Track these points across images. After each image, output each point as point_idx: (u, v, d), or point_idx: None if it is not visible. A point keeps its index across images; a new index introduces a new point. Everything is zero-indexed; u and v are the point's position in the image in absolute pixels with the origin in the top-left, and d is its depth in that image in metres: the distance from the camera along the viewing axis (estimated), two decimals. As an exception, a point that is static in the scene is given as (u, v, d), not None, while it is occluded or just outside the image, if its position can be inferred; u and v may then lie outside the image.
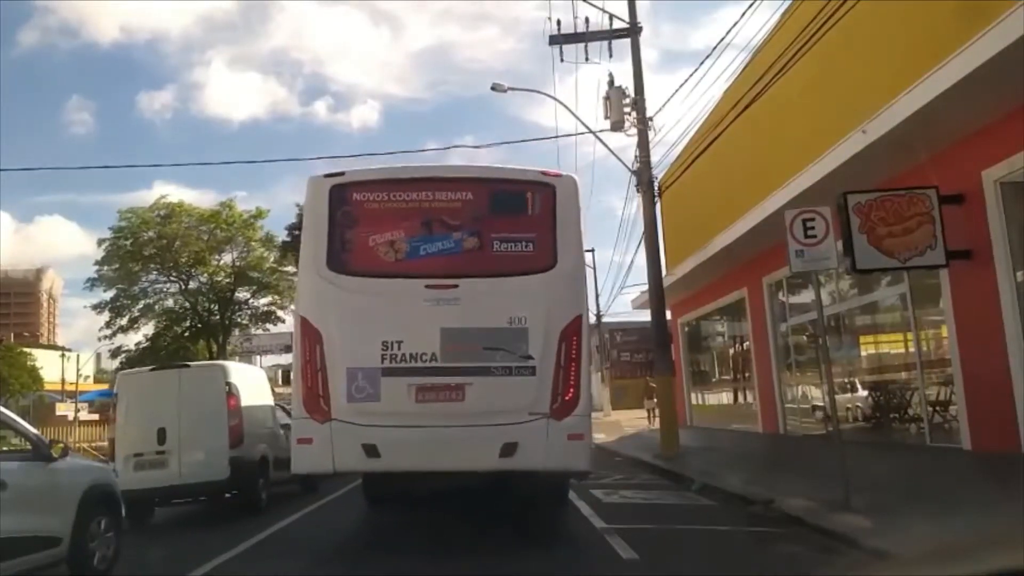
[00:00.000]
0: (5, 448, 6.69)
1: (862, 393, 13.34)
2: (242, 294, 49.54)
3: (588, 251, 41.41)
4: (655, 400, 16.74)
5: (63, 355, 63.97)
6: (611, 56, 16.58)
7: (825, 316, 13.97)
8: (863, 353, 13.34)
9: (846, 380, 13.13)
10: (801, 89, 11.64)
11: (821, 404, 13.86)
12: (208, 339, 48.45)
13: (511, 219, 6.97)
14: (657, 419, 18.75)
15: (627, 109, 15.53)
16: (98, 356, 69.73)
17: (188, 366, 11.11)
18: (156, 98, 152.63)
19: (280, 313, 49.74)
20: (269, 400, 11.62)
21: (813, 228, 7.67)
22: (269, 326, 50.52)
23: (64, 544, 5.63)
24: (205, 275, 47.52)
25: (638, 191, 15.63)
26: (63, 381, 62.13)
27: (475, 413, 6.41)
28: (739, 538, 7.15)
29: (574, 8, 15.42)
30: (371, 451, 6.38)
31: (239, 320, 49.71)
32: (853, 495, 7.05)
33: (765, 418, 15.96)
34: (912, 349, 10.98)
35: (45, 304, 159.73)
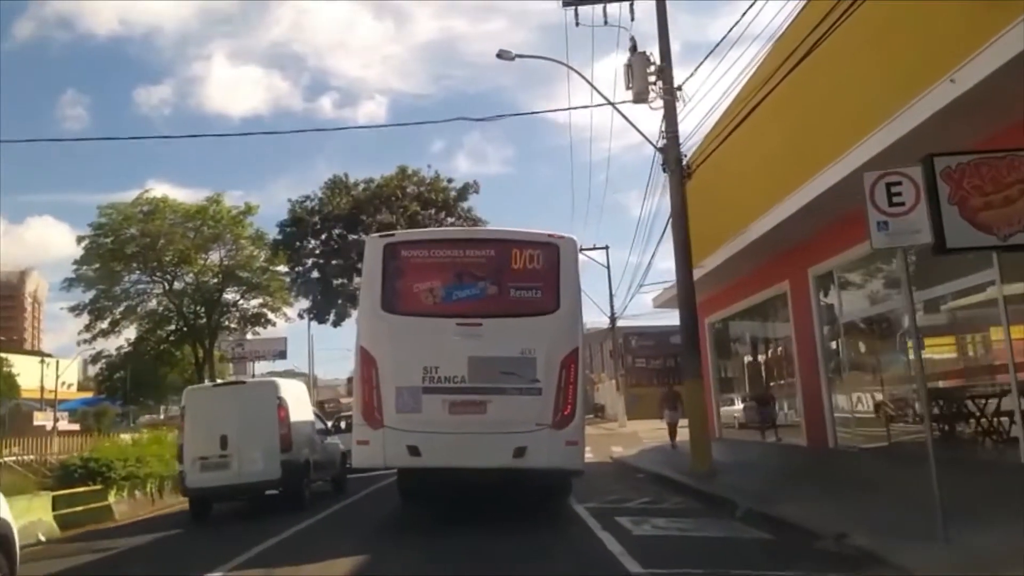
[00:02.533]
0: None
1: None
2: (231, 295, 48.36)
3: (602, 248, 40.03)
4: (679, 411, 15.32)
5: (42, 361, 62.93)
6: (632, 18, 15.35)
7: (883, 312, 13.13)
8: (935, 356, 11.94)
9: (912, 387, 11.75)
10: (867, 39, 10.28)
11: (878, 411, 12.52)
12: (194, 343, 47.25)
13: (524, 271, 8.95)
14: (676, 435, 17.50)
15: (652, 78, 14.25)
16: (84, 363, 68.84)
17: (245, 382, 14.24)
18: (154, 93, 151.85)
19: (271, 316, 48.51)
20: (310, 411, 13.65)
21: (900, 194, 6.39)
22: (259, 329, 49.18)
23: None
24: (191, 275, 46.31)
25: (664, 171, 14.35)
26: (42, 389, 61.05)
27: (494, 423, 8.32)
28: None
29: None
30: (414, 451, 8.33)
31: (227, 323, 48.44)
32: (947, 525, 5.75)
33: (810, 429, 14.58)
34: (1002, 348, 9.60)
35: (29, 308, 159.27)
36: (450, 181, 47.34)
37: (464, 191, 47.19)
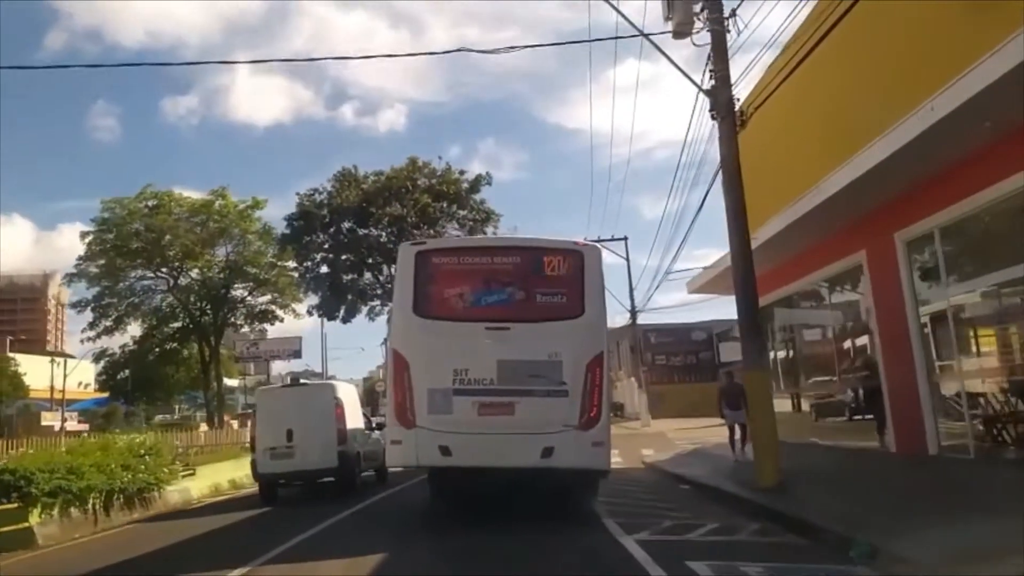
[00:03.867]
0: None
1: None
2: (238, 291, 45.95)
3: (620, 239, 37.25)
4: (743, 410, 12.40)
5: (52, 361, 60.86)
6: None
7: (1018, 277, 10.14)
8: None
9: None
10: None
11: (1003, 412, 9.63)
12: (200, 341, 44.90)
13: (550, 278, 9.03)
14: (739, 439, 14.46)
15: (696, 7, 11.48)
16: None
17: (307, 384, 15.13)
18: (181, 103, 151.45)
19: (280, 312, 46.01)
20: (359, 410, 14.86)
21: None
22: (267, 326, 46.72)
23: None
24: (196, 271, 43.97)
25: (713, 118, 11.54)
26: (52, 389, 58.96)
27: (522, 424, 8.47)
28: None
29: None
30: (445, 451, 8.50)
31: (234, 320, 46.00)
32: None
33: (902, 433, 11.66)
34: None
35: (53, 310, 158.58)
36: (462, 173, 44.51)
37: (476, 183, 44.39)
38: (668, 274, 26.22)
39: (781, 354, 17.67)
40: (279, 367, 68.82)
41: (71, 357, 65.30)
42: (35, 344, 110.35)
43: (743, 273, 10.55)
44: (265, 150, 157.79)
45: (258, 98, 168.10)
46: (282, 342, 61.20)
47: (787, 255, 14.61)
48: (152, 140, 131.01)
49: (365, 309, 47.11)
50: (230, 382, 78.62)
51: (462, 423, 8.43)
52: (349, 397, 14.16)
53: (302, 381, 15.74)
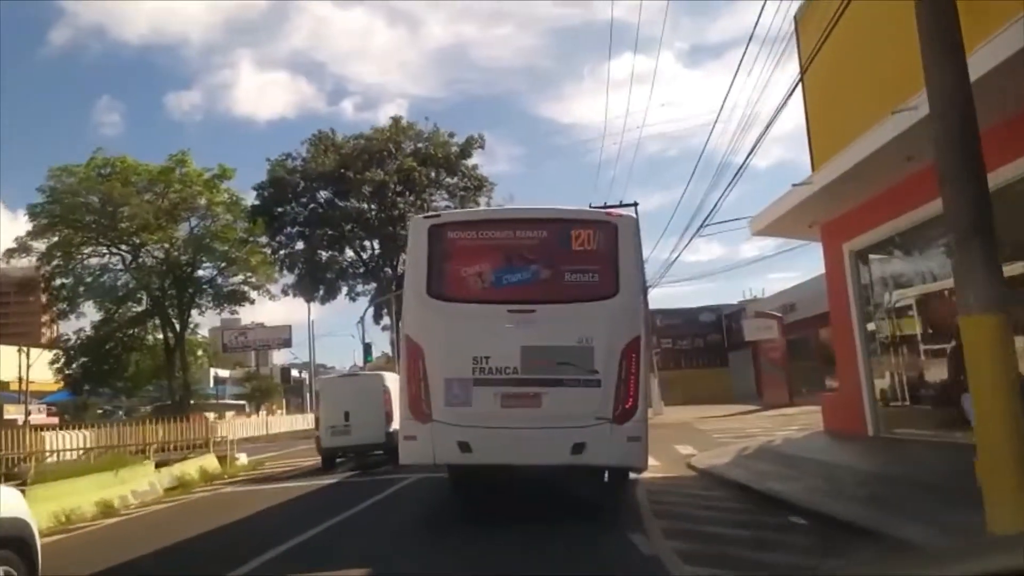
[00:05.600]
0: None
1: None
2: (206, 271, 40.49)
3: (630, 205, 32.35)
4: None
5: (20, 350, 55.44)
6: None
7: None
8: None
9: None
10: None
11: None
12: (164, 326, 39.46)
13: (579, 254, 7.94)
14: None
15: None
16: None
17: (361, 374, 19.02)
18: (185, 98, 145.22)
19: (252, 294, 40.51)
20: None
21: None
22: (237, 308, 41.16)
23: None
24: (159, 248, 38.44)
25: None
26: (20, 380, 53.57)
27: (550, 417, 7.41)
28: None
29: None
30: (465, 447, 7.50)
31: (201, 302, 40.44)
32: None
33: None
34: None
35: (46, 301, 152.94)
36: (451, 136, 39.16)
37: (468, 146, 39.15)
38: (704, 224, 20.28)
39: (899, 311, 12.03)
40: (282, 358, 63.68)
41: (44, 347, 59.92)
42: (30, 337, 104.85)
43: (960, 122, 5.22)
44: (266, 144, 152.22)
45: (260, 93, 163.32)
46: (271, 331, 56.24)
47: (895, 177, 9.34)
48: (156, 135, 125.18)
49: (345, 289, 41.93)
50: (222, 373, 73.35)
51: (483, 416, 7.54)
52: (394, 385, 15.04)
53: (358, 372, 19.43)
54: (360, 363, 37.34)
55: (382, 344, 40.55)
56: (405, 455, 7.88)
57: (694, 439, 16.66)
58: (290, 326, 54.81)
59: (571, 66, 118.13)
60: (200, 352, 44.72)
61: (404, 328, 8.21)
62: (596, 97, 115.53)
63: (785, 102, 10.50)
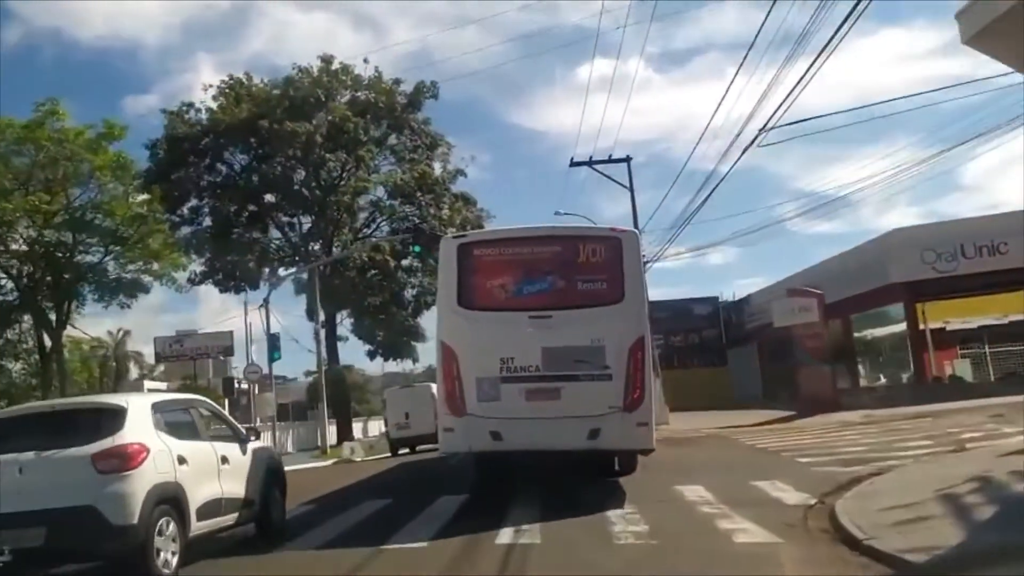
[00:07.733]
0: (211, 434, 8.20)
1: None
2: (92, 256, 31.54)
3: (623, 160, 25.00)
4: None
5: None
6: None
7: None
8: None
9: None
10: None
11: None
12: (37, 325, 30.48)
13: (589, 265, 9.59)
14: None
15: None
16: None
17: (416, 386, 26.56)
18: (142, 102, 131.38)
19: (149, 282, 31.75)
20: None
21: None
22: (130, 300, 32.09)
23: (256, 505, 7.98)
24: (25, 223, 29.43)
25: None
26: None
27: (569, 408, 9.03)
28: None
29: None
30: (496, 436, 9.11)
31: (85, 292, 31.39)
32: None
33: None
34: None
35: None
36: (397, 83, 30.78)
37: (417, 95, 30.88)
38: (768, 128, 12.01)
39: None
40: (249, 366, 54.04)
41: None
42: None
43: None
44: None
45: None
46: (210, 338, 46.85)
47: None
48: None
49: (273, 276, 33.31)
50: (158, 385, 63.66)
51: (511, 409, 8.96)
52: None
53: (413, 384, 27.77)
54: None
55: (306, 341, 31.94)
56: (444, 444, 9.82)
57: (775, 469, 9.96)
58: (231, 332, 44.91)
59: (539, 72, 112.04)
60: (86, 359, 35.37)
61: (439, 335, 9.73)
62: (567, 105, 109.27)
63: None
